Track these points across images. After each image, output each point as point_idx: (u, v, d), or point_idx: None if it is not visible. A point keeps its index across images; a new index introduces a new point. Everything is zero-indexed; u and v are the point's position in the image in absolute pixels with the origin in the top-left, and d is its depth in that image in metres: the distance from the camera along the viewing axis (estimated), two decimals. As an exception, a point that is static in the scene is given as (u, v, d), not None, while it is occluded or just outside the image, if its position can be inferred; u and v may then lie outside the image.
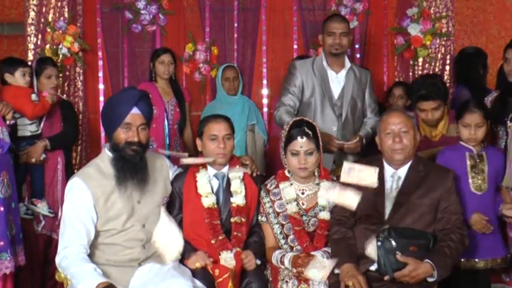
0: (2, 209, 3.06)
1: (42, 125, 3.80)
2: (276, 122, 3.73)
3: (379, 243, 2.66)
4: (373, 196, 2.85)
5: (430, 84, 3.38)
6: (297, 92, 3.67)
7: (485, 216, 3.07)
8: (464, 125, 3.17)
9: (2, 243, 3.03)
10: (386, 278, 2.65)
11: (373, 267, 2.73)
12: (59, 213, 3.75)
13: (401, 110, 3.01)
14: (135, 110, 2.77)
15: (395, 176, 2.90)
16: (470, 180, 3.14)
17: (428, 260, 2.63)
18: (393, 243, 2.64)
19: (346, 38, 3.63)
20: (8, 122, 3.33)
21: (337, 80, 3.69)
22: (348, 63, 3.72)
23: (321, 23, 3.75)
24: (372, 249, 2.68)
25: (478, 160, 3.16)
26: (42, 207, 3.75)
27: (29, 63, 4.09)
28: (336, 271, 2.73)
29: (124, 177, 2.76)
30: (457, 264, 3.09)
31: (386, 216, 2.81)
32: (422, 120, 3.47)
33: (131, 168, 2.77)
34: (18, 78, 3.67)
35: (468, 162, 3.16)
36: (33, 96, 3.66)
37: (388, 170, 2.92)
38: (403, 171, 2.90)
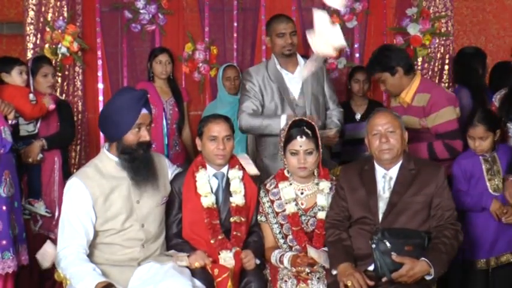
0: (4, 208, 3.04)
1: (38, 124, 3.77)
2: (243, 130, 3.63)
3: (374, 246, 2.67)
4: (366, 198, 2.86)
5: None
6: (257, 96, 3.60)
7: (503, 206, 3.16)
8: (469, 137, 3.26)
9: (4, 242, 3.01)
10: (384, 279, 2.65)
11: (371, 267, 2.73)
12: (56, 213, 3.74)
13: (388, 110, 3.02)
14: (144, 111, 2.79)
15: (387, 176, 2.90)
16: (488, 183, 3.22)
17: (424, 258, 2.64)
18: (388, 244, 2.64)
19: (295, 37, 3.61)
20: (10, 122, 3.32)
21: (294, 80, 3.64)
22: (301, 61, 3.68)
23: (266, 25, 3.69)
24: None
25: (492, 162, 3.24)
26: (39, 207, 3.73)
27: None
28: (334, 272, 2.74)
29: (141, 177, 2.79)
30: (472, 264, 3.22)
31: (381, 217, 2.81)
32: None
33: (147, 167, 2.81)
34: (15, 76, 3.64)
35: (483, 166, 3.24)
36: (31, 96, 3.63)
37: (380, 171, 2.92)
38: (394, 171, 2.90)
